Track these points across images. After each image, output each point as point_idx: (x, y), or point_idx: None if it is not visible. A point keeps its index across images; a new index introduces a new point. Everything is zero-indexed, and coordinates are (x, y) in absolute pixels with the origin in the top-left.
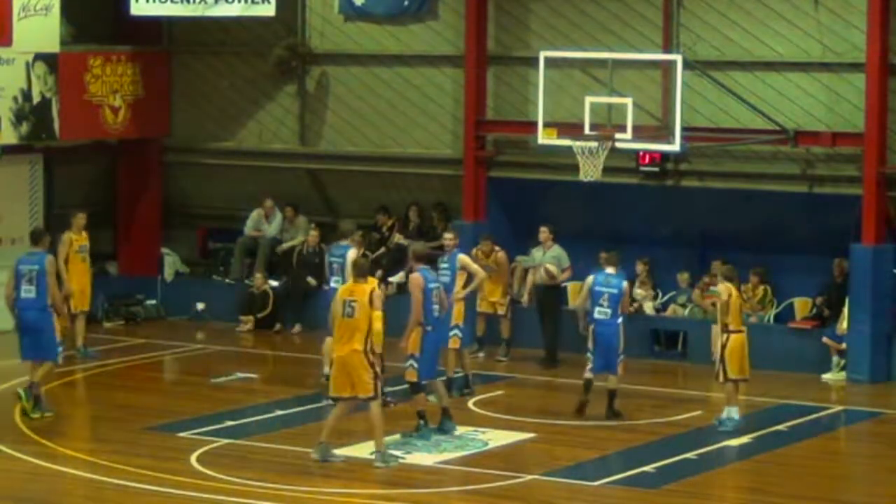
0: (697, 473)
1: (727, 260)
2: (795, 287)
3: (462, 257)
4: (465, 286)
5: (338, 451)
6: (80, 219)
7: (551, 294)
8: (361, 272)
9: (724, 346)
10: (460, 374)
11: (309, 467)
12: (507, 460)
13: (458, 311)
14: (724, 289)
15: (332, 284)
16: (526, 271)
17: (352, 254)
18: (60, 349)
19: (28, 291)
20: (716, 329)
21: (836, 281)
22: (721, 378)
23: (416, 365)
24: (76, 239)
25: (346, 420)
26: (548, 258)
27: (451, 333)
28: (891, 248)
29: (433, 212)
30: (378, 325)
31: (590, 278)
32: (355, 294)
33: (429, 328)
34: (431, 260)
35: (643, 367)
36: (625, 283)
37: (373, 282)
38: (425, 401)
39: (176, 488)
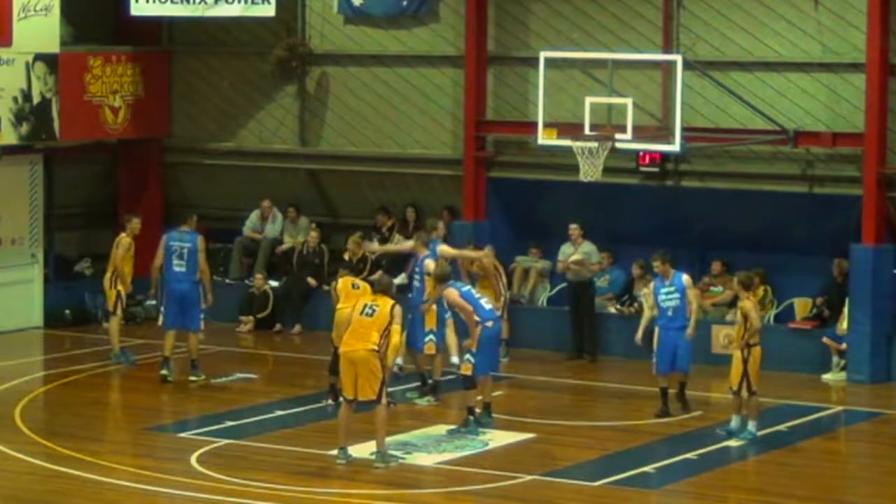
0: (698, 474)
1: (727, 261)
2: (795, 287)
3: (429, 262)
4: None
5: (336, 452)
6: (136, 224)
7: (584, 290)
8: (383, 290)
9: (745, 361)
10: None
11: (309, 467)
12: (507, 460)
13: (430, 316)
14: (752, 307)
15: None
16: (526, 271)
17: (429, 263)
18: (201, 319)
19: (179, 266)
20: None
21: (837, 281)
22: (746, 392)
23: (472, 360)
24: (132, 243)
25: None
26: (579, 254)
27: (427, 339)
28: (891, 249)
29: (443, 213)
30: (396, 339)
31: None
32: (378, 302)
33: (488, 324)
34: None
35: (643, 367)
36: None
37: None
38: (474, 397)
39: (176, 489)
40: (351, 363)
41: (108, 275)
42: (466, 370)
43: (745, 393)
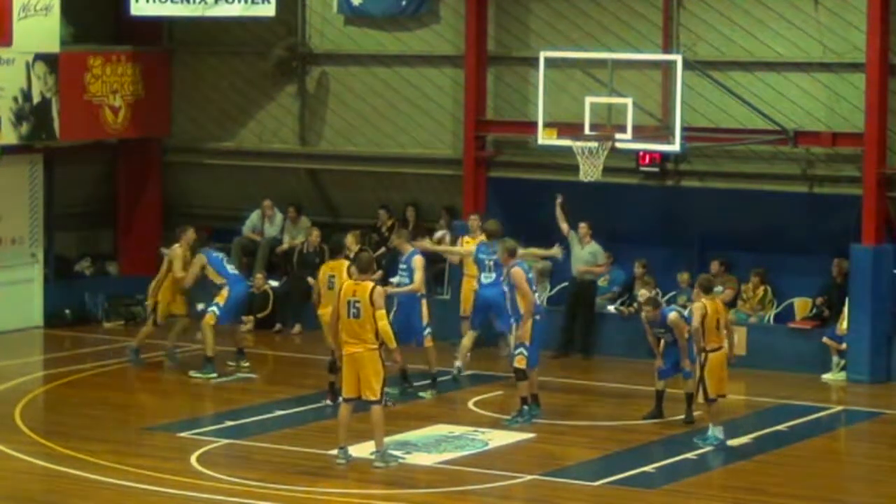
0: (697, 473)
1: (727, 260)
2: (795, 287)
3: (417, 258)
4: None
5: (336, 452)
6: (191, 234)
7: (587, 289)
8: (363, 267)
9: (702, 366)
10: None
11: (308, 467)
12: (507, 460)
13: (426, 311)
14: (696, 308)
15: (483, 281)
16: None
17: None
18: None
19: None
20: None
21: (836, 281)
22: (701, 398)
23: (525, 353)
24: (188, 254)
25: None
26: (585, 253)
27: (426, 333)
28: (891, 249)
29: (442, 213)
30: (382, 324)
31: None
32: (358, 294)
33: (537, 317)
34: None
35: (643, 368)
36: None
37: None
38: (528, 388)
39: (176, 488)
40: (352, 363)
41: (155, 284)
42: (521, 363)
43: (700, 399)
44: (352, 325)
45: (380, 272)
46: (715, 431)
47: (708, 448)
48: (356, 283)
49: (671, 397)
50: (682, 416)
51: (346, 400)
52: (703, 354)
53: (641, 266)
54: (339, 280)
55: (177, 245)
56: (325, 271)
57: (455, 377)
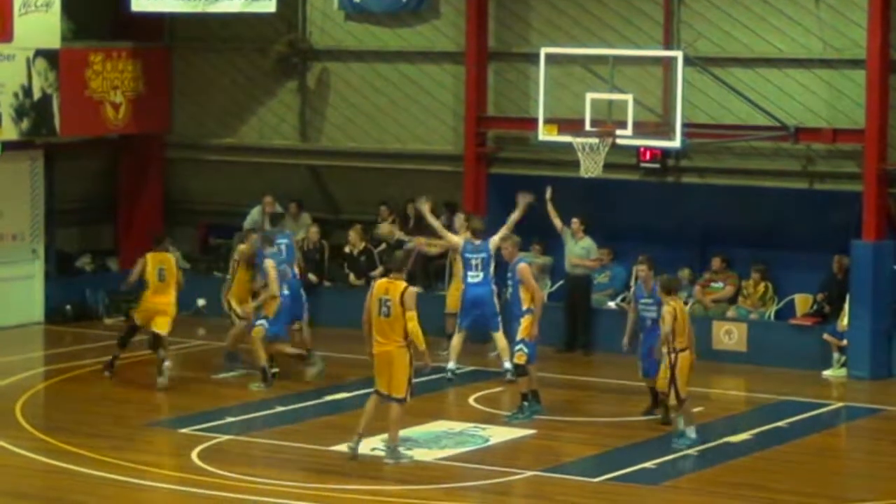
0: (698, 470)
1: (727, 257)
2: (796, 283)
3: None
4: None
5: (336, 448)
6: (254, 238)
7: (581, 284)
8: (396, 265)
9: (673, 367)
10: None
11: (309, 463)
12: (507, 456)
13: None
14: (667, 311)
15: (470, 280)
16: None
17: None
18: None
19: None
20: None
21: (837, 277)
22: (674, 399)
23: (526, 349)
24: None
25: (348, 416)
26: (579, 248)
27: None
28: (891, 245)
29: (443, 209)
30: (412, 325)
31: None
32: (390, 293)
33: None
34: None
35: None
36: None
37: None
38: (528, 383)
39: (177, 484)
40: (381, 361)
41: (227, 285)
42: (521, 359)
43: (672, 401)
44: (382, 323)
45: (380, 268)
46: (689, 432)
47: (685, 449)
48: (389, 282)
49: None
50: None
51: (376, 392)
52: (673, 355)
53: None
54: (169, 271)
55: (243, 245)
56: (153, 263)
57: (450, 378)
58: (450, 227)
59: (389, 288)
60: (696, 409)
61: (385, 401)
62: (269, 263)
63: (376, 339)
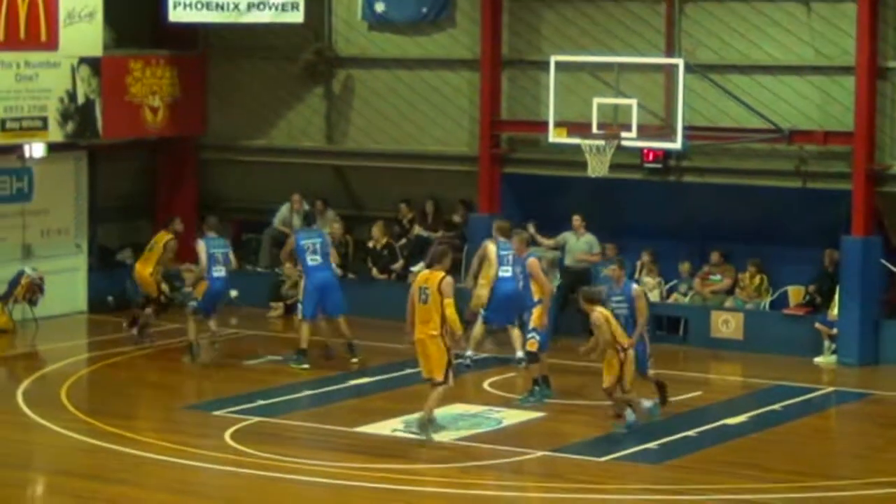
0: (697, 450)
1: (726, 251)
2: (789, 276)
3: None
4: None
5: (360, 429)
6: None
7: (582, 278)
8: (436, 259)
9: (622, 364)
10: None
11: (335, 443)
12: (519, 437)
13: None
14: (598, 318)
15: (502, 274)
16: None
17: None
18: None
19: (314, 260)
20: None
21: (828, 270)
22: (620, 392)
23: (538, 337)
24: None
25: (371, 399)
26: (581, 243)
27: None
28: (878, 240)
29: (459, 206)
30: (449, 312)
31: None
32: (429, 282)
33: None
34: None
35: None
36: (633, 289)
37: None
38: (539, 369)
39: (211, 463)
40: (420, 346)
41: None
42: (532, 346)
43: (619, 393)
44: (421, 310)
45: (401, 261)
46: (628, 415)
47: (622, 430)
48: (429, 273)
49: (675, 378)
50: (680, 397)
51: (426, 378)
52: (622, 353)
53: (649, 254)
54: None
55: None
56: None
57: (468, 365)
58: (465, 222)
59: (429, 278)
60: (695, 393)
61: (430, 383)
62: (201, 246)
63: (417, 327)
